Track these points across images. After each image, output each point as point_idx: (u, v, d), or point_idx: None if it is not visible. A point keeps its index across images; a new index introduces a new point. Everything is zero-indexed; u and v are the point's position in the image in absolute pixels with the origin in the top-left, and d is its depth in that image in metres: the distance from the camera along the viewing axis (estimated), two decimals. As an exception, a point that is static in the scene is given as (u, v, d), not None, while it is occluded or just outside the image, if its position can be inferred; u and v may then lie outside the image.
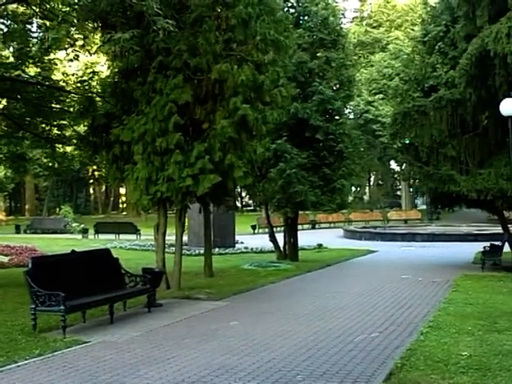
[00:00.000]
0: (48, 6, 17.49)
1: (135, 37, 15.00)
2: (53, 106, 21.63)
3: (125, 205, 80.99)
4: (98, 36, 17.73)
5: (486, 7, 20.58)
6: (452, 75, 22.13)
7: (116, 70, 17.15)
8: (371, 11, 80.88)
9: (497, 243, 22.28)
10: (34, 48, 20.70)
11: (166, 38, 15.27)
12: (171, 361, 9.39)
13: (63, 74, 22.31)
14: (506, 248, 21.32)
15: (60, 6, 17.21)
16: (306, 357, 9.58)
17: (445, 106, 21.96)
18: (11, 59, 21.26)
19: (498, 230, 26.96)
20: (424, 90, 24.25)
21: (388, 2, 77.02)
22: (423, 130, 22.51)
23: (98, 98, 18.82)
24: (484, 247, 22.32)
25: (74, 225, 49.87)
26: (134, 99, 16.25)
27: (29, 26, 20.30)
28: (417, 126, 22.66)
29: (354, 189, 73.45)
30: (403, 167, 34.33)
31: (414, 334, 11.25)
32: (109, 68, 17.64)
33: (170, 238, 18.53)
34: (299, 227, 29.55)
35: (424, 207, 65.49)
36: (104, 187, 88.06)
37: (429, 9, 27.60)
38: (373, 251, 30.31)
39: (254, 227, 47.13)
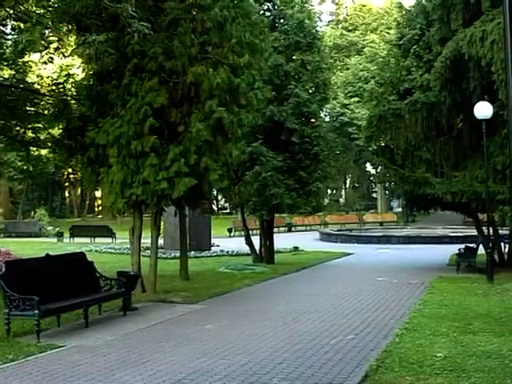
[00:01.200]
0: (22, 8, 17.35)
1: (110, 39, 14.95)
2: (27, 108, 21.41)
3: (100, 208, 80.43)
4: (72, 38, 17.60)
5: (460, 11, 20.82)
6: (427, 78, 22.28)
7: (91, 72, 17.05)
8: (347, 14, 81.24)
9: (471, 245, 22.45)
10: (7, 50, 20.49)
11: (141, 41, 15.22)
12: (147, 365, 9.35)
13: (38, 76, 22.12)
14: (481, 250, 21.45)
15: (34, 8, 17.09)
16: (281, 359, 9.58)
17: (420, 109, 22.12)
18: (-16, 61, 21.03)
19: (473, 232, 27.13)
20: (399, 93, 24.39)
21: (364, 6, 77.44)
22: (398, 133, 22.68)
23: (72, 101, 18.68)
24: (459, 249, 22.48)
25: (49, 228, 49.45)
26: (109, 102, 16.16)
27: (2, 28, 20.09)
28: (392, 128, 22.82)
29: (329, 191, 73.68)
30: (379, 170, 34.37)
31: (390, 335, 11.31)
32: (84, 71, 17.50)
33: (146, 241, 18.45)
34: (275, 230, 29.53)
35: (400, 210, 65.87)
36: (79, 190, 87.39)
37: (404, 12, 27.80)
38: (349, 254, 30.40)
39: (230, 230, 47.07)
